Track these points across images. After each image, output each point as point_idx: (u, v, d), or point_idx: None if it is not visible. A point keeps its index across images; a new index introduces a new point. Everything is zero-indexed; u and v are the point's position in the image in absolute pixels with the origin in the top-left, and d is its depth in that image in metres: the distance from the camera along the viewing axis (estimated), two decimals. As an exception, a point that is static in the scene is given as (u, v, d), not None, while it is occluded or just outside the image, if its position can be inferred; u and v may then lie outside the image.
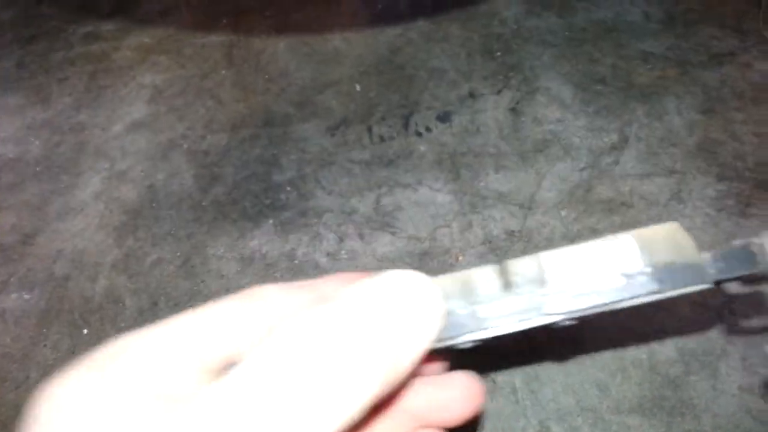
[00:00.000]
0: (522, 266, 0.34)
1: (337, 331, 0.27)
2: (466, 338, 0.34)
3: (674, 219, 0.91)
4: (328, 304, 0.28)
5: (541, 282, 0.34)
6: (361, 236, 0.96)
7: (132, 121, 1.21)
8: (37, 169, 1.15)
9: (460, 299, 0.34)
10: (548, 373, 0.79)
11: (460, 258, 0.91)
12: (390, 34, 1.31)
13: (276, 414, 0.24)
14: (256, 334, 0.32)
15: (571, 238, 0.91)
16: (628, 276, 0.34)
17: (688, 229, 0.87)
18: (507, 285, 0.34)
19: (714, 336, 0.79)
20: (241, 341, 0.31)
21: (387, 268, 0.88)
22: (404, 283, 0.30)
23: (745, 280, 0.36)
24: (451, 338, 0.33)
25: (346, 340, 0.27)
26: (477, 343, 0.34)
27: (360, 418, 0.27)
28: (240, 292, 0.35)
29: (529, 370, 0.79)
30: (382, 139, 1.10)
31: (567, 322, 0.35)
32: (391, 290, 0.30)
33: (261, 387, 0.25)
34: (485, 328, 0.33)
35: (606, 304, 0.34)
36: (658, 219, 0.91)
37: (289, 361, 0.26)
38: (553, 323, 0.34)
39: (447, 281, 0.34)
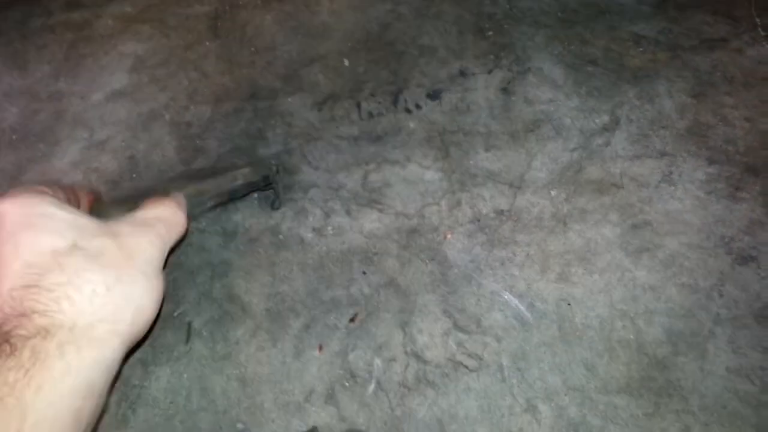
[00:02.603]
0: None
1: None
2: None
3: (664, 201, 0.90)
4: None
5: None
6: (348, 212, 0.94)
7: (112, 90, 1.17)
8: (14, 137, 1.11)
9: None
10: (536, 352, 0.78)
11: (449, 236, 0.90)
12: (380, 9, 1.28)
13: None
14: None
15: (561, 218, 0.90)
16: None
17: (678, 212, 0.87)
18: None
19: (702, 317, 0.79)
20: None
21: (375, 244, 0.86)
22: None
23: None
24: None
25: None
26: None
27: None
28: None
29: (517, 348, 0.78)
30: (370, 115, 1.08)
31: None
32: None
33: None
34: None
35: None
36: (648, 201, 0.91)
37: None
38: None
39: None
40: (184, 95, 1.15)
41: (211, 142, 1.06)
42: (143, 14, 1.35)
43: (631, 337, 0.78)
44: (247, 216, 0.94)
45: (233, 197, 0.90)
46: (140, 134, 1.08)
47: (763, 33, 1.15)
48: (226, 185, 0.87)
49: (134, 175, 1.01)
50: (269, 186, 0.93)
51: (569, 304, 0.82)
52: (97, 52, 1.26)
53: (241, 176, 0.88)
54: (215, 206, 0.90)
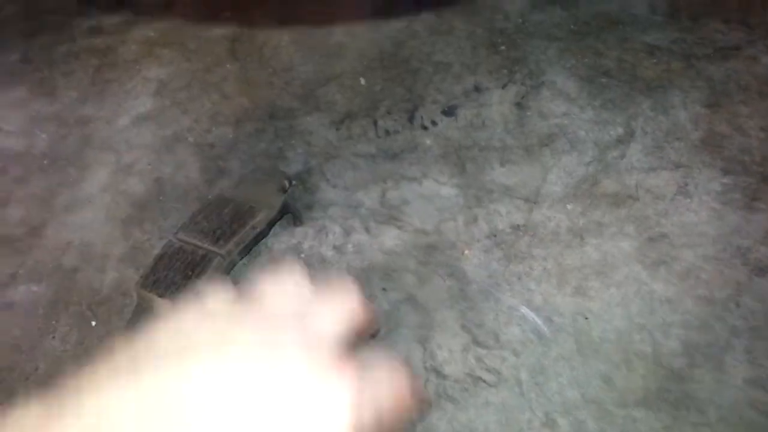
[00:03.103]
0: None
1: None
2: None
3: (680, 213, 0.91)
4: None
5: None
6: (367, 229, 0.96)
7: (137, 114, 1.21)
8: (44, 162, 1.15)
9: None
10: (554, 366, 0.79)
11: (466, 252, 0.91)
12: (394, 27, 1.31)
13: None
14: None
15: (577, 231, 0.92)
16: None
17: (695, 224, 0.87)
18: None
19: (719, 329, 0.80)
20: None
21: (394, 261, 0.88)
22: None
23: None
24: None
25: None
26: None
27: None
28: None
29: (535, 363, 0.80)
30: (387, 132, 1.10)
31: None
32: None
33: None
34: None
35: None
36: (664, 213, 0.92)
37: None
38: None
39: None
40: (207, 117, 1.18)
41: (233, 163, 1.09)
42: (164, 38, 1.39)
43: (649, 349, 0.79)
44: (270, 236, 0.97)
45: (261, 239, 0.94)
46: (165, 157, 1.12)
47: (777, 40, 1.15)
48: (248, 238, 0.91)
49: (161, 198, 1.05)
50: (288, 212, 0.96)
51: (586, 318, 0.83)
52: (121, 77, 1.31)
53: (258, 224, 0.92)
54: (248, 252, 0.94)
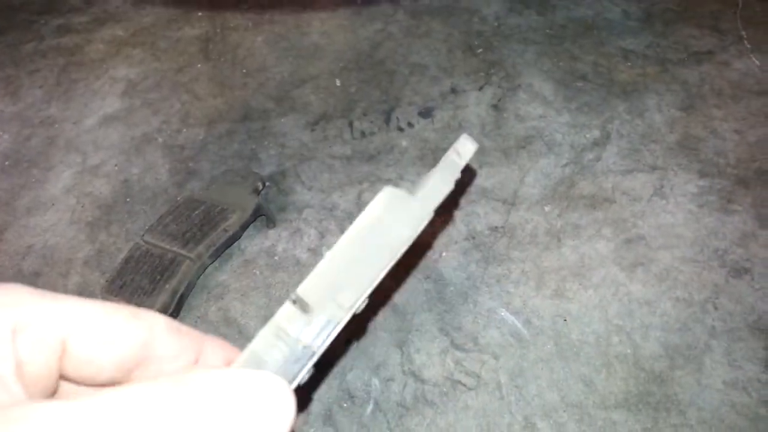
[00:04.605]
0: (311, 289, 0.31)
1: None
2: (303, 374, 0.31)
3: (657, 215, 0.90)
4: (178, 387, 0.21)
5: (332, 299, 0.32)
6: (342, 232, 0.94)
7: (105, 114, 1.18)
8: (6, 163, 1.11)
9: (279, 346, 0.31)
10: (533, 368, 0.78)
11: (444, 254, 0.90)
12: (370, 29, 1.29)
13: None
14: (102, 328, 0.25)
15: (555, 233, 0.91)
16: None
17: (671, 226, 0.87)
18: (306, 309, 0.32)
19: (698, 330, 0.79)
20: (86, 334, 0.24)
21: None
22: (258, 392, 0.23)
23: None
24: (294, 379, 0.31)
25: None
26: (311, 372, 0.32)
27: None
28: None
29: (514, 365, 0.78)
30: (363, 134, 1.08)
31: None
32: (240, 398, 0.24)
33: None
34: (311, 355, 0.31)
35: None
36: (641, 215, 0.91)
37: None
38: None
39: (264, 340, 0.31)
40: (177, 118, 1.15)
41: (204, 165, 1.06)
42: (134, 38, 1.35)
43: (628, 351, 0.78)
44: (243, 238, 0.94)
45: (233, 242, 0.92)
46: (133, 158, 1.08)
47: (748, 45, 1.16)
48: (220, 241, 0.88)
49: (128, 200, 1.01)
50: (261, 214, 0.94)
51: (565, 320, 0.82)
52: (88, 76, 1.27)
53: (231, 227, 0.89)
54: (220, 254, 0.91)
